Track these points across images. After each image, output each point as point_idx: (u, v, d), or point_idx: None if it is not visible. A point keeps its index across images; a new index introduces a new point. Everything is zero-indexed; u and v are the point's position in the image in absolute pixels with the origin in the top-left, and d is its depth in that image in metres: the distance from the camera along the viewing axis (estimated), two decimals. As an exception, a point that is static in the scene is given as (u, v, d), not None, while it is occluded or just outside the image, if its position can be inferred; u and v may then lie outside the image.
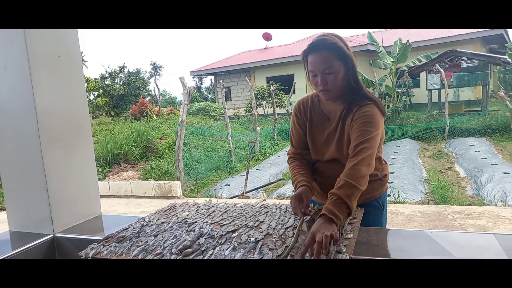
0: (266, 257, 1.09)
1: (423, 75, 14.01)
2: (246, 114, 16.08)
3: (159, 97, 21.57)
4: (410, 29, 16.30)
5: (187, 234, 1.30)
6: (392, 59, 12.99)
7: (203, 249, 1.19)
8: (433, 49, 14.41)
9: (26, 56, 1.43)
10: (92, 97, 20.70)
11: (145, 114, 15.63)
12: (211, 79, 29.00)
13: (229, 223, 1.39)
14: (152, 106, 17.05)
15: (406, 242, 1.22)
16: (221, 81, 12.27)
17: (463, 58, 12.56)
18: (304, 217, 1.32)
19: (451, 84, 12.33)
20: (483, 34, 14.84)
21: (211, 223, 1.40)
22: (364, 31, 18.63)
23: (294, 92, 12.71)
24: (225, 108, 10.21)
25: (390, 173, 3.65)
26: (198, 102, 20.24)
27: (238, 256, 1.12)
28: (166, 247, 1.21)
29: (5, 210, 1.83)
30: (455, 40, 14.93)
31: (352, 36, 18.82)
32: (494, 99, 13.90)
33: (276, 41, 47.67)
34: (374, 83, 12.71)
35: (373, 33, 14.37)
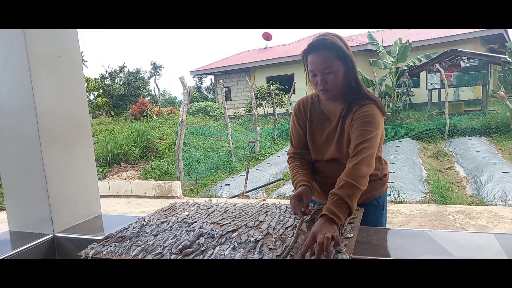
0: (266, 257, 1.09)
1: (423, 74, 14.02)
2: (246, 114, 16.08)
3: (159, 97, 21.55)
4: (410, 29, 16.29)
5: (187, 234, 1.30)
6: (392, 59, 12.99)
7: (203, 249, 1.19)
8: (433, 48, 14.41)
9: (26, 56, 1.43)
10: (92, 97, 20.70)
11: (145, 114, 15.63)
12: (211, 79, 29.05)
13: (229, 223, 1.39)
14: (152, 106, 17.05)
15: (406, 242, 1.22)
16: (221, 80, 12.29)
17: (463, 57, 12.56)
18: (304, 217, 1.32)
19: (451, 83, 12.32)
20: (483, 34, 14.83)
21: (211, 223, 1.40)
22: (364, 31, 18.63)
23: (294, 92, 12.70)
24: (225, 107, 10.22)
25: (390, 172, 3.65)
26: (198, 102, 20.25)
27: (238, 256, 1.12)
28: (166, 247, 1.21)
29: (5, 210, 1.83)
30: (455, 39, 14.93)
31: (352, 36, 18.81)
32: (494, 99, 13.89)
33: (276, 41, 47.62)
34: (374, 83, 12.71)
35: (373, 33, 14.36)
